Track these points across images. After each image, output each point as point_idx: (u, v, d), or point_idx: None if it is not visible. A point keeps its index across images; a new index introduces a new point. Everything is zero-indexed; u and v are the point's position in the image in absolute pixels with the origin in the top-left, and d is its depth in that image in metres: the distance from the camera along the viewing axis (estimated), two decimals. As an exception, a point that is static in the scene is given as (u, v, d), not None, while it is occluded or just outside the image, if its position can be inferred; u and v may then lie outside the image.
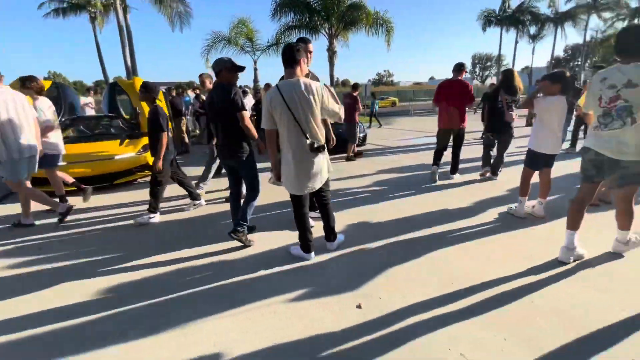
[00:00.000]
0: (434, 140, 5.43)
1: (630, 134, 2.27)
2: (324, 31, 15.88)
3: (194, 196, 4.16)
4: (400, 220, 3.58)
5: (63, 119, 6.34)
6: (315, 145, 2.36)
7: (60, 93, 6.61)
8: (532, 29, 27.47)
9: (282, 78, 3.03)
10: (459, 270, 2.55)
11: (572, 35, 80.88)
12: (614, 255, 2.69)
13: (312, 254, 2.76)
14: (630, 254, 2.68)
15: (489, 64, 66.05)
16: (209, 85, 4.50)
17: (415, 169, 5.96)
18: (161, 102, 3.80)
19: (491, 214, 3.67)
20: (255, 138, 3.02)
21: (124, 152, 5.40)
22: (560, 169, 4.91)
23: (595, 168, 2.49)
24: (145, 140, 5.61)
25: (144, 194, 4.62)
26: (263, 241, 3.16)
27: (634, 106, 2.22)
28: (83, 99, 9.99)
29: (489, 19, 26.87)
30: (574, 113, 6.07)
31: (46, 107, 3.99)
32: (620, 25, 28.78)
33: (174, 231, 3.52)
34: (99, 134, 6.27)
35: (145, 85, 3.61)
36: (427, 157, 6.73)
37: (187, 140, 8.37)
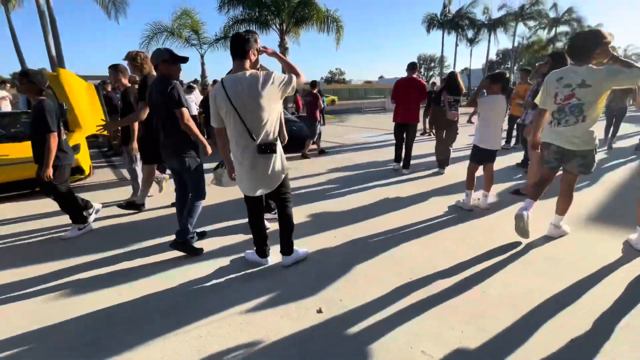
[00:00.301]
0: (387, 137, 5.59)
1: (580, 129, 2.58)
2: (275, 27, 15.59)
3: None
4: (357, 219, 3.57)
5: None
6: (263, 147, 2.13)
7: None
8: (470, 33, 29.71)
9: (230, 72, 2.82)
10: (415, 265, 2.60)
11: (503, 41, 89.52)
12: (548, 239, 2.95)
13: (269, 258, 2.62)
14: (562, 239, 2.95)
15: (432, 64, 70.28)
16: (124, 80, 3.77)
17: (369, 166, 6.05)
18: (44, 94, 3.00)
19: (441, 207, 3.83)
20: (199, 138, 2.71)
21: (49, 153, 4.71)
22: (499, 162, 5.31)
23: (556, 160, 2.81)
24: (76, 139, 4.97)
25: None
26: (214, 247, 2.94)
27: (585, 104, 2.51)
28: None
29: (432, 23, 28.50)
30: (508, 112, 6.66)
31: None
32: (541, 32, 32.39)
33: (109, 241, 3.13)
34: (16, 134, 5.42)
35: (26, 73, 2.99)
36: (380, 154, 6.94)
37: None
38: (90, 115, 5.31)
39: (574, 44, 2.56)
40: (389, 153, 7.01)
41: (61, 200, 3.15)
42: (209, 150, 2.79)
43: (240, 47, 2.10)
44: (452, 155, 5.79)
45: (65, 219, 3.31)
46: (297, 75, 2.19)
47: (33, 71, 3.01)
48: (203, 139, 2.74)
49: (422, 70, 71.81)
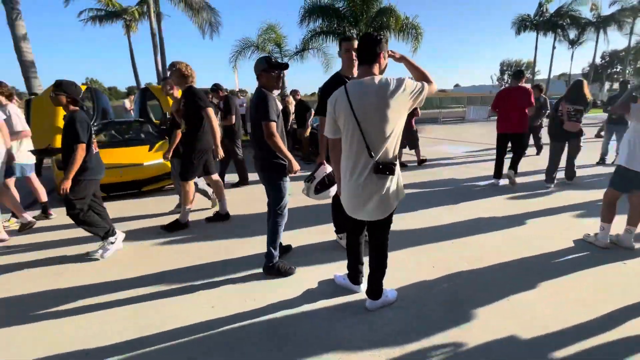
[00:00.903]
0: (473, 151, 5.00)
1: None
2: (352, 37, 15.60)
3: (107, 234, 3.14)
4: (455, 245, 3.11)
5: (95, 124, 6.32)
6: (381, 167, 1.81)
7: (94, 98, 6.61)
8: (572, 34, 26.02)
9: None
10: (543, 316, 2.08)
11: (615, 40, 75.64)
12: None
13: (362, 285, 2.35)
14: None
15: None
16: (175, 92, 3.82)
17: (456, 182, 5.42)
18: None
19: (564, 241, 3.13)
20: (285, 154, 2.50)
21: (153, 158, 5.23)
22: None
23: None
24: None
25: (171, 202, 4.40)
26: (301, 265, 2.78)
27: None
28: (128, 103, 10.13)
29: (524, 24, 25.73)
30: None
31: (15, 114, 3.84)
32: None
33: (200, 250, 3.21)
34: (129, 139, 6.19)
35: (60, 84, 2.84)
36: (468, 170, 6.19)
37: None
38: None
39: None
40: (477, 169, 6.27)
41: (74, 218, 2.91)
42: (296, 167, 2.60)
43: (371, 49, 1.82)
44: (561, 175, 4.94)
45: (163, 218, 3.50)
46: (429, 82, 1.88)
47: (67, 81, 2.90)
48: (289, 155, 2.55)
49: (505, 77, 65.56)
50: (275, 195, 2.61)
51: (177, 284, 2.56)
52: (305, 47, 16.18)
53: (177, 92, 3.84)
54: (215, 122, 3.51)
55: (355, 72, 2.64)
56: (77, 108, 2.88)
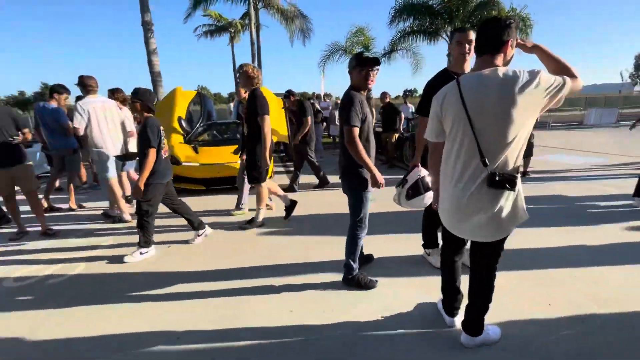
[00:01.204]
0: (596, 160, 4.00)
1: None
2: (445, 35, 14.54)
3: (195, 225, 3.45)
4: (583, 280, 2.48)
5: (201, 124, 7.15)
6: (499, 179, 1.45)
7: (202, 102, 7.49)
8: None
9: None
10: None
11: None
12: None
13: (457, 319, 2.00)
14: None
15: (664, 64, 51.03)
16: (244, 94, 3.89)
17: (581, 199, 4.44)
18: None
19: None
20: (366, 164, 2.25)
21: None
22: None
23: None
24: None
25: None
26: (384, 277, 2.56)
27: None
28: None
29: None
30: None
31: (127, 117, 4.40)
32: None
33: (283, 250, 3.25)
34: (227, 139, 6.82)
35: (136, 92, 2.98)
36: (596, 187, 5.01)
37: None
38: (277, 124, 6.08)
39: None
40: (604, 185, 5.05)
41: (139, 217, 3.07)
42: (380, 179, 2.29)
43: (496, 36, 1.46)
44: None
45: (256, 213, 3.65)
46: (573, 77, 1.48)
47: (143, 89, 3.04)
48: (372, 166, 2.27)
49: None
50: (355, 205, 2.42)
51: (259, 281, 2.62)
52: (394, 49, 15.68)
53: (246, 94, 3.98)
54: (269, 131, 3.49)
55: (467, 67, 2.35)
56: (151, 115, 3.04)
